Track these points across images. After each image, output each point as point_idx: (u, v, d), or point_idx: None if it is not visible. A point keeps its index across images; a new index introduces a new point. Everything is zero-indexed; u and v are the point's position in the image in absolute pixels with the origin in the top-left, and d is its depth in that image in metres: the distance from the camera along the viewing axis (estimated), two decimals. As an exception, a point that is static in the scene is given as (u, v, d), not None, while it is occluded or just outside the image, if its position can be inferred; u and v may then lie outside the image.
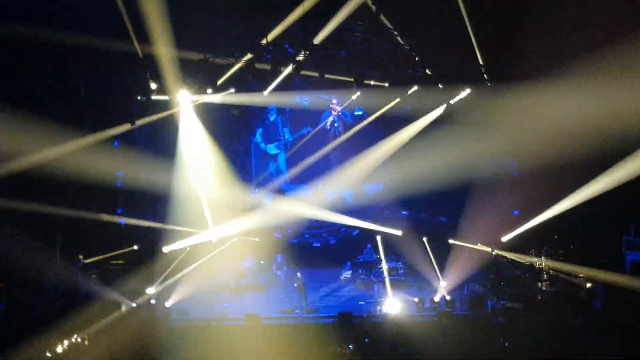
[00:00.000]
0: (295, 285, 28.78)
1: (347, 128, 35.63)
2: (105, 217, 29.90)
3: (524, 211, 29.62)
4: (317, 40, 26.46)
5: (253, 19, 25.95)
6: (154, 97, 28.39)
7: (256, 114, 36.04)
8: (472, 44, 27.01)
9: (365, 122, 33.98)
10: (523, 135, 28.87)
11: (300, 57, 26.62)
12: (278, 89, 30.83)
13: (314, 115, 36.30)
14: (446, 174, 30.66)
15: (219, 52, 27.23)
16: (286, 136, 36.90)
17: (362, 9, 26.93)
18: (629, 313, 24.20)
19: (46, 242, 27.21)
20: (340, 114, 35.50)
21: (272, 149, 36.84)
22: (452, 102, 30.51)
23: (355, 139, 34.90)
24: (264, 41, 26.13)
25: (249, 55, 27.24)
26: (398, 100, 31.51)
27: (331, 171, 35.77)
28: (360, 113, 35.87)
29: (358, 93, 32.51)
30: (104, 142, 28.65)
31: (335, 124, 35.78)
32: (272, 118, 36.58)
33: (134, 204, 31.48)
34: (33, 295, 26.85)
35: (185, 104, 29.18)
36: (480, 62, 27.85)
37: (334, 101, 35.33)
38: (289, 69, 27.46)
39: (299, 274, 29.01)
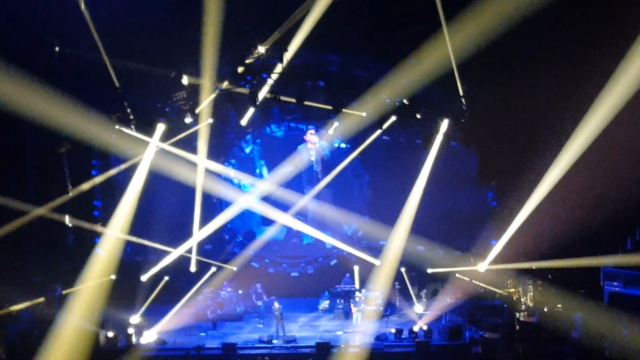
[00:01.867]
0: (274, 314, 28.64)
1: (325, 164, 35.05)
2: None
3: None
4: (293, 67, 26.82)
5: (230, 47, 26.13)
6: (131, 132, 28.46)
7: (234, 144, 35.72)
8: (453, 74, 27.16)
9: (348, 160, 33.63)
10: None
11: (273, 78, 26.77)
12: (256, 118, 31.08)
13: (289, 147, 35.47)
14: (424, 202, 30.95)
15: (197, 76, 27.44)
16: (261, 170, 36.53)
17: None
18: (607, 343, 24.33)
19: (23, 272, 27.19)
20: (317, 145, 34.77)
21: (245, 187, 36.00)
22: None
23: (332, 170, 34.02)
24: (240, 69, 26.27)
25: (226, 83, 27.47)
26: (379, 132, 31.43)
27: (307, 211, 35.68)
28: (337, 145, 35.36)
29: (337, 124, 32.40)
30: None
31: (312, 158, 34.96)
32: (247, 150, 36.18)
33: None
34: (10, 325, 26.74)
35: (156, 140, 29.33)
36: (461, 93, 27.98)
37: (312, 131, 34.50)
38: (265, 92, 27.55)
39: (276, 304, 28.88)
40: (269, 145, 36.44)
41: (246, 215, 36.14)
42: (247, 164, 36.16)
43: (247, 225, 36.72)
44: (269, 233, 35.45)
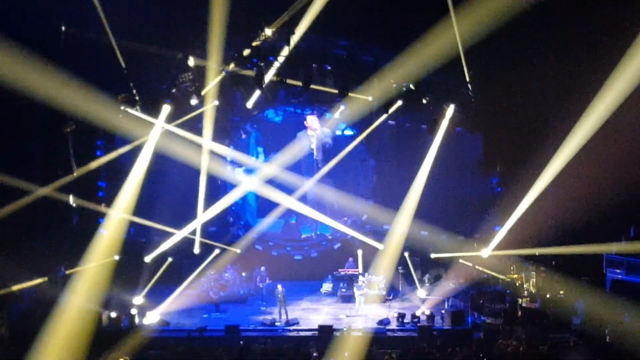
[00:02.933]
0: (277, 297, 28.72)
1: (326, 152, 34.97)
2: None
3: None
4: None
5: (237, 29, 26.06)
6: (137, 113, 28.41)
7: (240, 126, 35.52)
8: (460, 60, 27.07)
9: (352, 145, 33.57)
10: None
11: (280, 61, 26.74)
12: (262, 101, 31.01)
13: (288, 134, 35.38)
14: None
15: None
16: (258, 156, 36.50)
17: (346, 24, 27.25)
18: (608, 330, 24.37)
19: (26, 252, 27.19)
20: (318, 131, 34.53)
21: (240, 173, 35.83)
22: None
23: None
24: (247, 51, 26.23)
25: (232, 65, 27.42)
26: (385, 116, 31.39)
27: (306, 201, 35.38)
28: (341, 132, 35.47)
29: (342, 107, 32.32)
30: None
31: (313, 145, 34.84)
32: (243, 136, 36.03)
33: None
34: (13, 305, 26.80)
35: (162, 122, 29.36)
36: (467, 79, 27.92)
37: (313, 116, 34.38)
38: (272, 75, 27.51)
39: (279, 286, 28.96)
40: (266, 132, 36.55)
41: (241, 207, 36.25)
42: (245, 151, 36.10)
43: (243, 217, 36.79)
44: (264, 225, 35.56)
